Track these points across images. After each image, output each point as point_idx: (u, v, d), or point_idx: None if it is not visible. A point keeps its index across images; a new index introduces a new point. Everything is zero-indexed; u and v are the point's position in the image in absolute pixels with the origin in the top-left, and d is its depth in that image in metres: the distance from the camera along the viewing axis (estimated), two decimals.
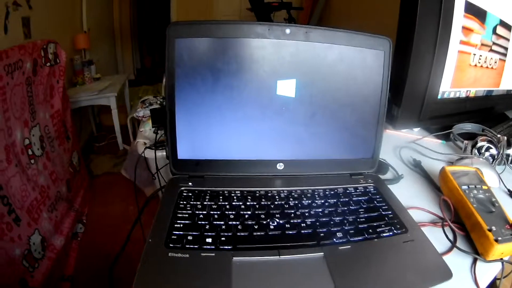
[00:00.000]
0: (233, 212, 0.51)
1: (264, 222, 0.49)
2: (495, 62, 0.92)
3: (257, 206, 0.52)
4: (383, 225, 0.50)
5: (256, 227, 0.48)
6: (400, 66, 0.72)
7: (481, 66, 0.88)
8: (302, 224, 0.49)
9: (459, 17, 0.77)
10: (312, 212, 0.52)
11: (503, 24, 0.89)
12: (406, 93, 0.74)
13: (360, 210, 0.53)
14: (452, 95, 0.85)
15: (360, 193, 0.58)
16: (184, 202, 0.52)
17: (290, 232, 0.48)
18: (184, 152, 0.58)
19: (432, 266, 0.44)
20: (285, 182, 0.60)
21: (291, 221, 0.50)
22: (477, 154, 0.75)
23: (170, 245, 0.44)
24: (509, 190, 0.66)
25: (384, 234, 0.48)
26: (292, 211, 0.52)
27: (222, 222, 0.49)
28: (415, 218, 0.53)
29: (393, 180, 0.68)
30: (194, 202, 0.52)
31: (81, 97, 2.50)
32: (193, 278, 0.40)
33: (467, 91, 0.89)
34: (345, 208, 0.53)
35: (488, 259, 0.48)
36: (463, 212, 0.54)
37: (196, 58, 0.55)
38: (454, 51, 0.79)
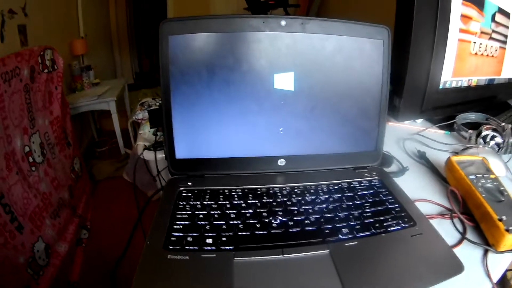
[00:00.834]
0: (234, 211, 0.49)
1: (266, 221, 0.47)
2: (496, 50, 0.90)
3: (258, 204, 0.51)
4: (390, 219, 0.48)
5: (258, 225, 0.47)
6: (400, 56, 0.71)
7: (482, 54, 0.87)
8: (306, 221, 0.48)
9: (458, 5, 0.76)
10: (316, 208, 0.50)
11: (501, 11, 0.87)
12: (407, 84, 0.73)
13: (365, 204, 0.52)
14: (453, 85, 0.84)
15: (365, 187, 0.56)
16: (184, 203, 0.51)
17: (294, 230, 0.46)
18: (182, 151, 0.57)
19: (443, 260, 0.42)
20: (287, 179, 0.58)
21: (294, 218, 0.48)
22: (482, 143, 0.74)
23: (169, 247, 0.42)
24: None
25: (391, 229, 0.47)
26: (295, 208, 0.50)
27: (223, 222, 0.47)
28: (423, 210, 0.51)
29: (398, 173, 0.66)
30: (194, 202, 0.51)
31: (80, 102, 2.49)
32: (193, 280, 0.38)
33: (468, 80, 0.87)
34: (350, 203, 0.52)
35: (500, 250, 0.46)
36: (471, 202, 0.53)
37: (190, 55, 0.54)
38: (454, 40, 0.78)
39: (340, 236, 0.45)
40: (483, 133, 0.74)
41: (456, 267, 0.41)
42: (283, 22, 0.54)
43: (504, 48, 0.92)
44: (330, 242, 0.44)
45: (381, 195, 0.54)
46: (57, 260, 1.50)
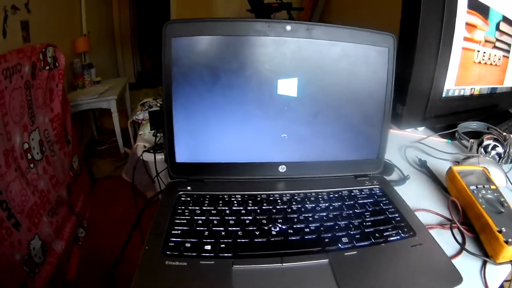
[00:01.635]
0: (233, 218, 0.49)
1: (266, 228, 0.47)
2: (499, 59, 0.90)
3: (258, 211, 0.51)
4: (390, 229, 0.48)
5: (257, 233, 0.46)
6: (404, 63, 0.70)
7: (485, 63, 0.87)
8: (306, 229, 0.47)
9: (463, 13, 0.75)
10: (316, 217, 0.50)
11: (506, 20, 0.87)
12: (410, 91, 0.73)
13: (366, 213, 0.51)
14: (456, 93, 0.84)
15: (365, 195, 0.56)
16: (182, 207, 0.51)
17: (293, 238, 0.46)
18: (182, 155, 0.57)
19: (442, 271, 0.42)
20: (288, 185, 0.58)
21: (294, 226, 0.48)
22: (483, 152, 0.73)
23: (167, 252, 0.42)
24: None
25: (391, 238, 0.46)
26: (295, 216, 0.50)
27: (222, 228, 0.47)
28: (422, 220, 0.51)
29: (399, 181, 0.66)
30: (193, 207, 0.51)
31: (81, 100, 2.49)
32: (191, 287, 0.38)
33: (471, 88, 0.87)
34: (350, 212, 0.52)
35: (498, 261, 0.46)
36: (471, 213, 0.53)
37: (193, 58, 0.53)
38: (458, 48, 0.78)
39: (339, 245, 0.45)
40: (485, 143, 0.74)
41: (455, 279, 0.41)
42: (288, 27, 0.54)
43: (508, 57, 0.92)
44: (329, 251, 0.44)
45: (381, 204, 0.54)
46: (53, 258, 1.49)
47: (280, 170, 0.59)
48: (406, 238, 0.47)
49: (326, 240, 0.45)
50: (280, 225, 0.48)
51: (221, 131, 0.56)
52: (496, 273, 0.46)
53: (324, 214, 0.51)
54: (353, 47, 0.56)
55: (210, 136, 0.56)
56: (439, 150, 0.79)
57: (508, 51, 0.92)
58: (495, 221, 0.48)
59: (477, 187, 0.55)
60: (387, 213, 0.52)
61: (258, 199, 0.53)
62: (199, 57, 0.53)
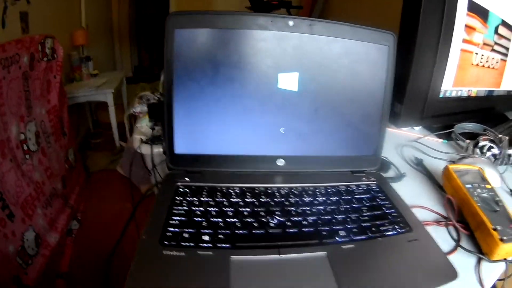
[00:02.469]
0: (232, 209, 0.49)
1: (264, 220, 0.47)
2: (497, 62, 0.91)
3: (256, 203, 0.51)
4: (386, 224, 0.48)
5: (255, 224, 0.46)
6: (403, 62, 0.70)
7: (483, 65, 0.87)
8: (304, 222, 0.48)
9: (462, 15, 0.76)
10: (313, 210, 0.50)
11: (504, 24, 0.88)
12: (409, 90, 0.73)
13: (363, 208, 0.52)
14: (454, 94, 0.84)
15: (362, 191, 0.57)
16: (181, 198, 0.51)
17: (291, 230, 0.46)
18: (181, 146, 0.57)
19: (437, 266, 0.43)
20: (286, 179, 0.58)
21: (292, 218, 0.48)
22: (479, 153, 0.74)
23: (165, 242, 0.42)
24: (511, 190, 0.65)
25: (388, 233, 0.47)
26: (293, 209, 0.50)
27: (220, 219, 0.47)
28: (418, 217, 0.52)
29: (395, 178, 0.66)
30: (191, 198, 0.51)
31: (78, 93, 2.48)
32: (188, 278, 0.38)
33: (468, 90, 0.88)
34: (348, 206, 0.52)
35: (493, 259, 0.47)
36: (467, 211, 0.53)
37: (195, 50, 0.53)
38: (457, 49, 0.78)
39: (337, 238, 0.45)
40: (480, 144, 0.74)
41: (450, 274, 0.41)
42: (291, 22, 0.54)
43: (505, 61, 0.93)
44: (327, 244, 0.44)
45: (378, 200, 0.54)
46: (46, 250, 1.49)
47: (278, 164, 0.59)
48: (403, 233, 0.47)
49: (324, 233, 0.46)
50: (278, 218, 0.48)
51: (220, 123, 0.56)
52: (491, 270, 0.46)
53: (322, 207, 0.51)
54: (354, 44, 0.57)
55: (210, 128, 0.56)
56: (435, 150, 0.79)
57: (506, 55, 0.92)
58: (490, 219, 0.48)
59: (472, 186, 0.56)
60: (384, 208, 0.52)
61: (256, 191, 0.54)
62: (201, 49, 0.54)
